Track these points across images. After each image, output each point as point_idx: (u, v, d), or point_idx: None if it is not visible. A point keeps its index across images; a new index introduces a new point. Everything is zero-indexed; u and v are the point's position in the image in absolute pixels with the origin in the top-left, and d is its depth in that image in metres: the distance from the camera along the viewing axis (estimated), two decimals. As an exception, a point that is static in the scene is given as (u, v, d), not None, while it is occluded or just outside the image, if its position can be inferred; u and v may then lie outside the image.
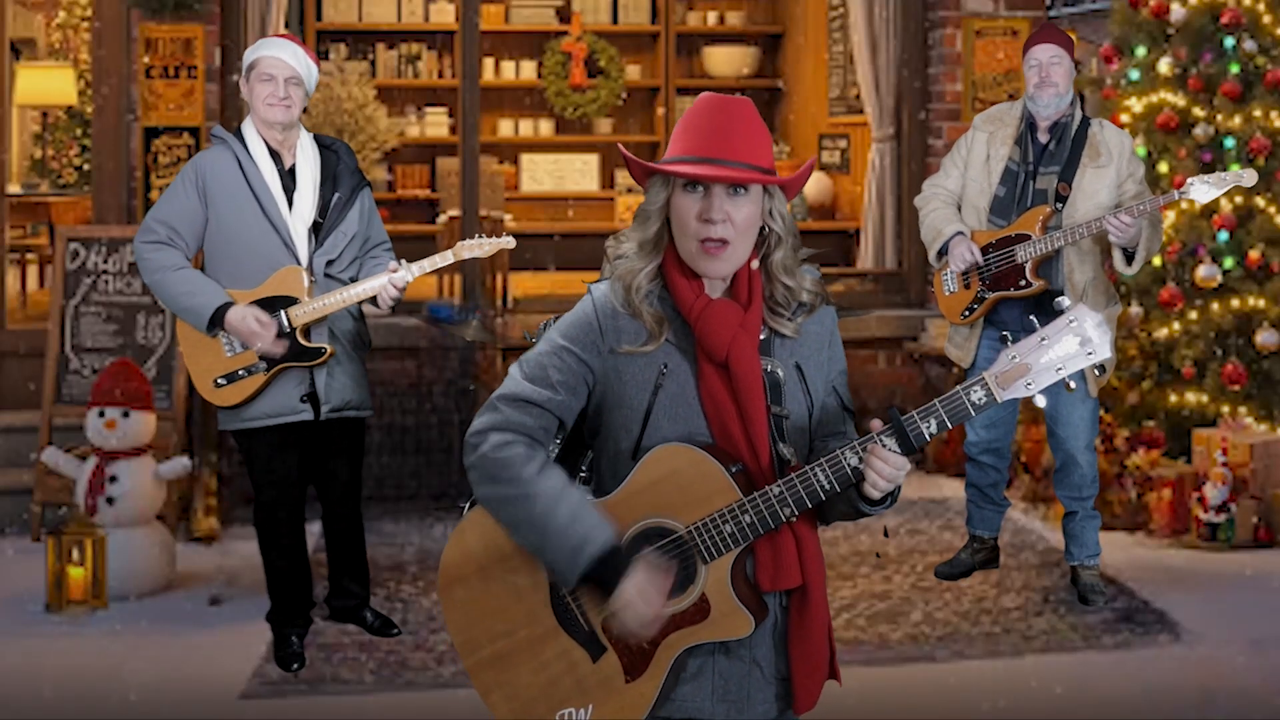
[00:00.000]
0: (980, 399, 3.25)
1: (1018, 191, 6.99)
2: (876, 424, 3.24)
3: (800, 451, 3.39)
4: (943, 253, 7.05)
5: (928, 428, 3.24)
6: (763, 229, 3.34)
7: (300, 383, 6.30)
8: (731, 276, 3.35)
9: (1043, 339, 3.25)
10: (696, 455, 3.27)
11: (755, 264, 3.35)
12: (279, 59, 6.27)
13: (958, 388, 3.25)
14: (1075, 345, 3.25)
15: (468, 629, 3.44)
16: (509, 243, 6.51)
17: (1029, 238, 6.84)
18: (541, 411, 3.33)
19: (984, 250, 6.93)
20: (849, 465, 3.23)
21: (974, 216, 7.07)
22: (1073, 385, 3.29)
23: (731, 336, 3.28)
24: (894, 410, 3.23)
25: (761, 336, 3.35)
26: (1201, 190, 6.78)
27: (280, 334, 6.18)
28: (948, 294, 7.16)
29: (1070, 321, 3.24)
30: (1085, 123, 7.00)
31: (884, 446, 3.21)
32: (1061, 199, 6.89)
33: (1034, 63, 6.95)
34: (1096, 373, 6.77)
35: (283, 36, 6.50)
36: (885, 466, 3.19)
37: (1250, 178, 6.85)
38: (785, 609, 3.43)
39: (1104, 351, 3.25)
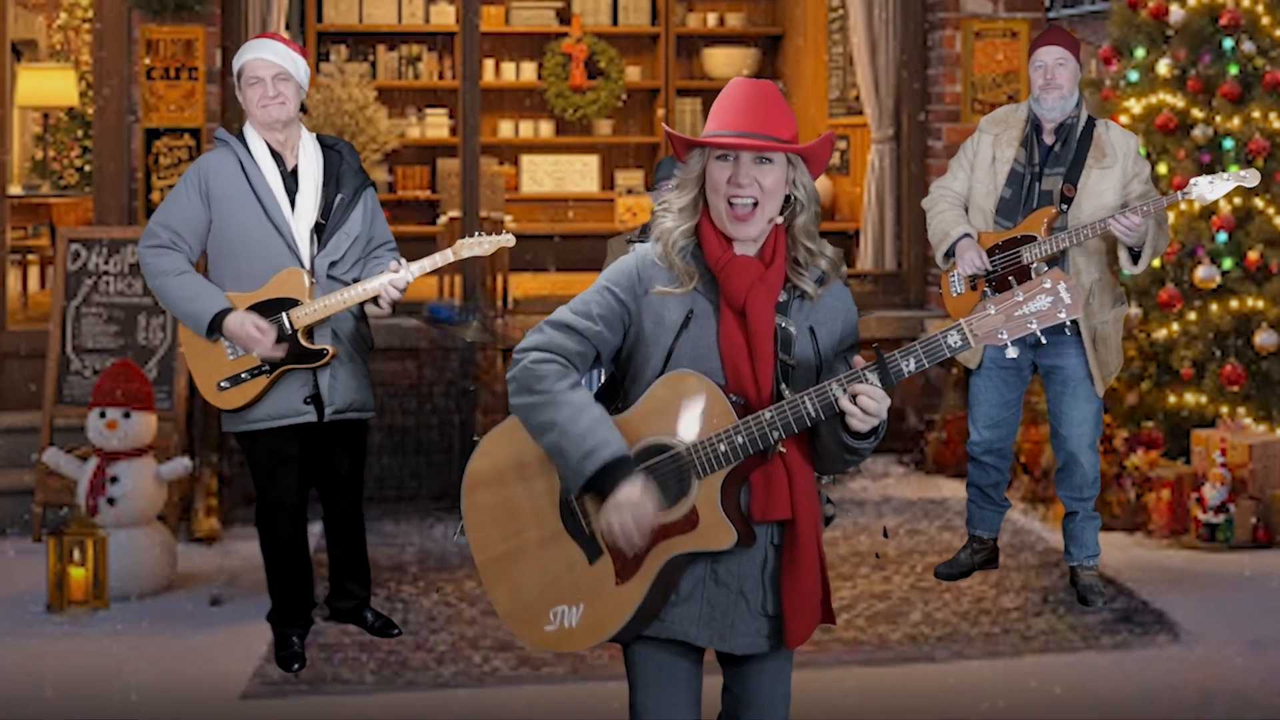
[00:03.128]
0: (956, 342, 3.59)
1: (1023, 193, 7.00)
2: (859, 361, 3.63)
3: None
4: (950, 254, 7.06)
5: (907, 365, 3.59)
6: (788, 197, 3.75)
7: (303, 384, 6.30)
8: (760, 240, 3.75)
9: (1018, 297, 3.59)
10: (704, 382, 3.65)
11: (781, 219, 3.76)
12: (262, 59, 6.26)
13: (937, 332, 3.62)
14: (1048, 304, 3.58)
15: (482, 529, 3.83)
16: (509, 240, 6.50)
17: (1035, 239, 6.85)
18: (581, 338, 3.73)
19: (990, 252, 6.94)
20: (834, 396, 3.56)
21: (980, 218, 7.08)
22: (1044, 340, 3.63)
23: (749, 286, 3.68)
24: (877, 348, 3.59)
25: (782, 299, 3.75)
26: (1204, 189, 6.78)
27: (282, 336, 6.18)
28: (955, 295, 7.16)
29: (1045, 284, 3.58)
30: (1090, 124, 7.01)
31: (867, 381, 3.55)
32: (1066, 200, 6.90)
33: (1039, 64, 6.96)
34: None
35: (264, 36, 6.48)
36: (868, 400, 3.53)
37: (1253, 177, 6.86)
38: (777, 548, 3.79)
39: (1075, 311, 3.59)
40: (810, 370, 3.75)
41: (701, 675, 3.92)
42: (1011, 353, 3.61)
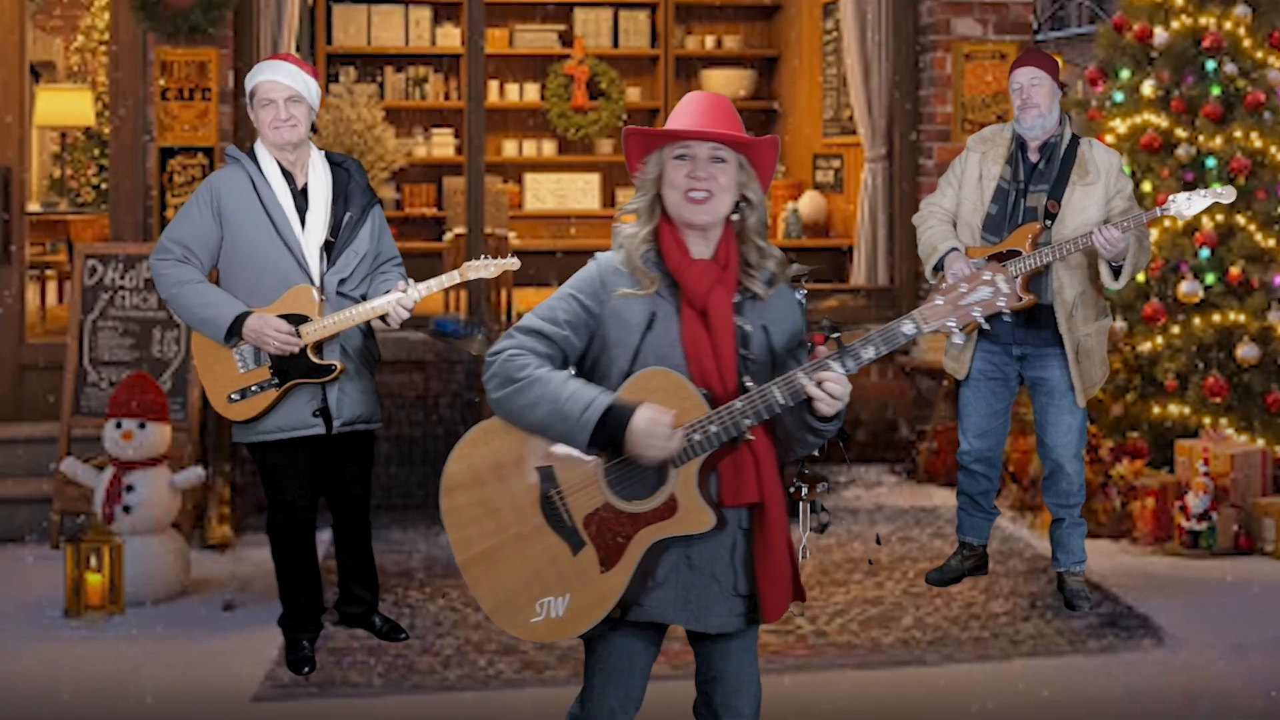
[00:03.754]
0: (910, 330, 3.83)
1: (1009, 209, 7.02)
2: (822, 350, 3.83)
3: None
4: (939, 268, 7.08)
5: (866, 352, 3.83)
6: (739, 202, 3.96)
7: (312, 398, 6.30)
8: (714, 243, 3.96)
9: (962, 288, 3.83)
10: (675, 377, 3.81)
11: (734, 217, 3.97)
12: (274, 81, 6.27)
13: (892, 322, 3.85)
14: (989, 293, 3.81)
15: (463, 529, 3.92)
16: (514, 264, 6.50)
17: (1020, 253, 6.87)
18: (549, 342, 3.88)
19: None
20: (801, 383, 3.75)
21: (968, 234, 7.10)
22: (986, 326, 3.87)
23: (710, 288, 3.88)
24: (838, 338, 3.84)
25: (735, 299, 3.93)
26: (1182, 206, 6.82)
27: (291, 337, 6.19)
28: (943, 308, 7.18)
29: (985, 276, 3.82)
30: (1074, 142, 7.04)
31: (830, 369, 3.76)
32: (1050, 216, 6.92)
33: (1016, 85, 7.01)
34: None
35: (276, 58, 6.46)
36: (834, 385, 3.74)
37: (1229, 194, 6.89)
38: (746, 532, 3.96)
39: (1014, 300, 3.83)
40: (765, 366, 3.94)
41: (656, 656, 4.11)
42: (958, 339, 3.95)
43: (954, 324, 3.84)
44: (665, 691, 6.09)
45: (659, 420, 3.73)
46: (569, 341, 3.90)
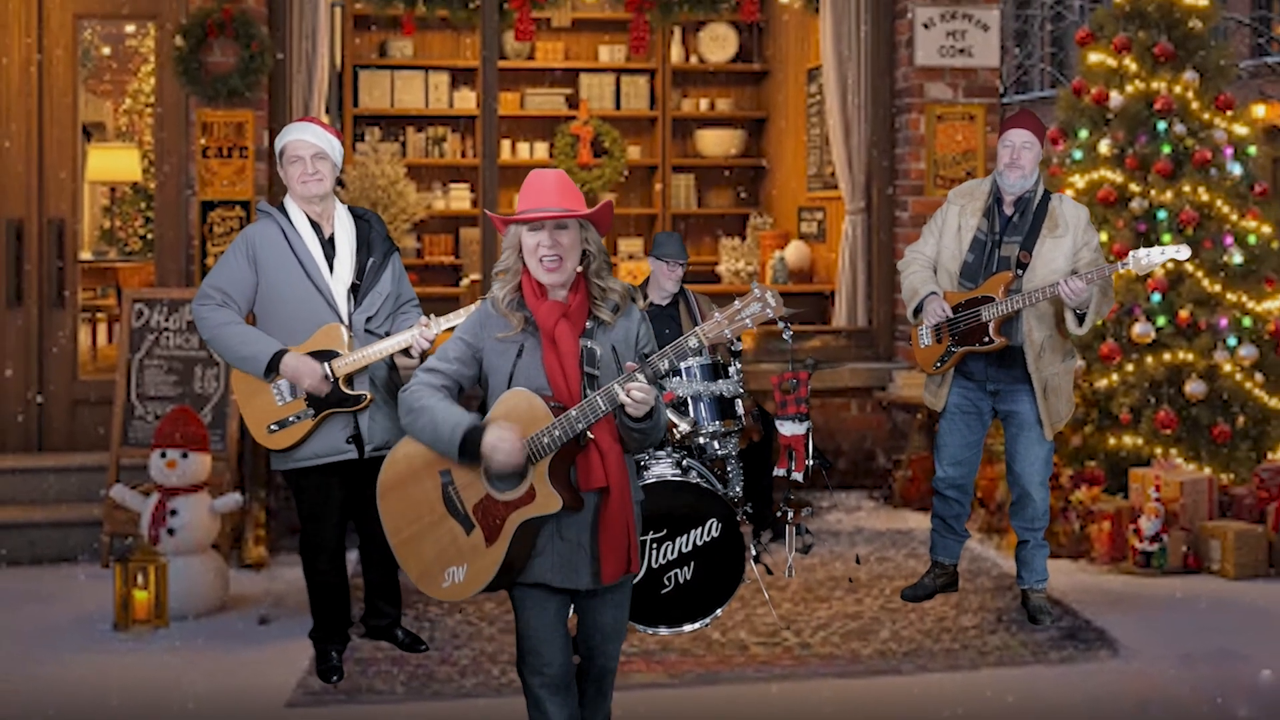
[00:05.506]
0: (694, 344, 4.40)
1: (984, 258, 7.06)
2: (631, 366, 4.38)
3: None
4: (918, 310, 7.13)
5: (662, 364, 4.37)
6: (584, 252, 4.57)
7: (345, 426, 6.35)
8: (567, 287, 4.56)
9: (737, 305, 4.35)
10: (527, 394, 4.46)
11: (580, 269, 4.58)
12: (302, 140, 6.36)
13: (681, 337, 4.44)
14: (758, 308, 4.33)
15: (394, 520, 4.69)
16: None
17: (993, 299, 6.91)
18: (443, 375, 4.61)
19: (953, 309, 7.00)
20: (615, 392, 4.34)
21: (946, 279, 7.15)
22: (753, 328, 4.34)
23: (556, 322, 4.51)
24: (641, 354, 4.56)
25: (588, 326, 4.58)
26: (1141, 261, 6.83)
27: (324, 380, 6.25)
28: (923, 346, 7.23)
29: (755, 293, 4.34)
30: (1046, 197, 7.07)
31: (636, 380, 4.31)
32: (1022, 266, 6.97)
33: (1008, 144, 7.02)
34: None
35: (304, 120, 6.55)
36: (638, 392, 4.30)
37: (1184, 252, 6.92)
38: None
39: (780, 310, 4.36)
40: (614, 378, 4.47)
41: (567, 606, 4.67)
42: (736, 345, 4.47)
43: (730, 334, 4.37)
44: (662, 698, 6.13)
45: (503, 438, 4.39)
46: (461, 372, 4.62)
